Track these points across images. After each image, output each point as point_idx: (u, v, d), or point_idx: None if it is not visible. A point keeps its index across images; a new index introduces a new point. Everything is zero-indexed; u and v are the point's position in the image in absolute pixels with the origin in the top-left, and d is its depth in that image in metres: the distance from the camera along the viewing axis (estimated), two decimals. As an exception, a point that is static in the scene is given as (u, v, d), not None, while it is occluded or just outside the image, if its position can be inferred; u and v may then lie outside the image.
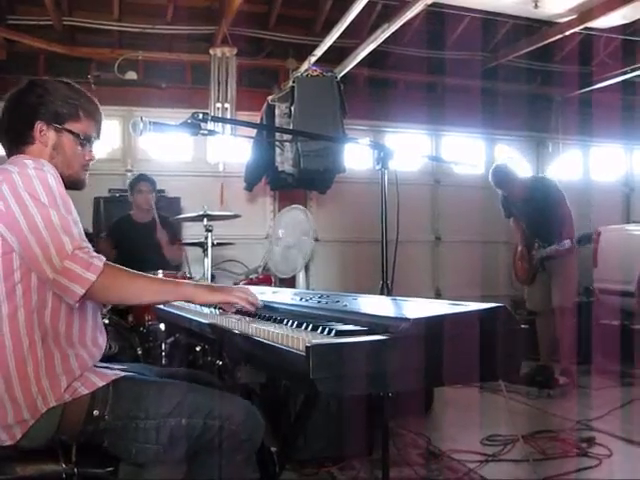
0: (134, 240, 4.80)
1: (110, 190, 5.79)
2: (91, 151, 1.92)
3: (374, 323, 1.39)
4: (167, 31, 6.01)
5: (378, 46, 5.62)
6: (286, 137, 5.31)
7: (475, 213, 6.48)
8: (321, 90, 5.07)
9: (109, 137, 6.22)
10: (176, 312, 2.37)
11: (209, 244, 4.38)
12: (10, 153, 1.84)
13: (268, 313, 1.82)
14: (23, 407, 1.61)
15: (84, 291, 1.57)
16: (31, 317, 1.64)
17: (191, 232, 5.51)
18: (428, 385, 1.30)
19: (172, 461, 1.72)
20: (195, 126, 2.03)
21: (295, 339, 1.33)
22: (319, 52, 5.20)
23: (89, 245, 1.65)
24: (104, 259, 1.63)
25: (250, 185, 5.90)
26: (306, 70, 5.17)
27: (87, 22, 5.84)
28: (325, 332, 1.38)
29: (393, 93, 6.54)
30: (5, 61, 5.96)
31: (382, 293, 2.22)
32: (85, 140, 1.87)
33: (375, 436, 3.37)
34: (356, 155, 6.49)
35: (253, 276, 5.51)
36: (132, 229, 4.90)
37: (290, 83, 5.18)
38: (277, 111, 5.56)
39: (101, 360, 1.86)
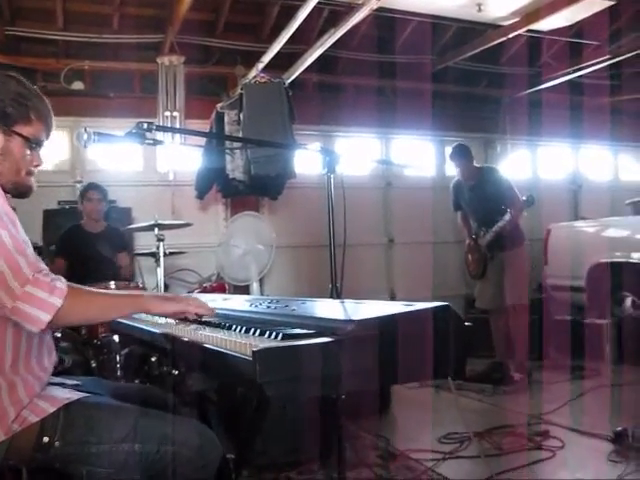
0: (85, 250, 4.75)
1: (59, 202, 5.68)
2: (39, 156, 1.79)
3: (321, 326, 1.41)
4: (114, 40, 5.92)
5: (327, 51, 5.65)
6: (236, 144, 5.29)
7: (427, 214, 6.56)
8: (269, 96, 5.08)
9: (57, 148, 6.11)
10: (130, 323, 2.34)
11: (161, 254, 4.36)
12: None
13: (219, 320, 1.82)
14: None
15: (50, 317, 1.50)
16: None
17: (143, 242, 5.47)
18: (376, 385, 1.31)
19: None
20: (140, 136, 2.01)
21: (242, 345, 1.34)
22: (266, 59, 5.21)
23: (45, 266, 1.58)
24: (64, 280, 1.57)
25: (201, 193, 5.87)
26: (254, 77, 5.18)
27: (31, 32, 5.72)
28: (272, 336, 1.39)
29: (343, 98, 6.57)
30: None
31: (332, 296, 2.24)
32: (35, 144, 1.74)
33: (332, 438, 3.39)
34: (306, 160, 6.50)
35: (207, 284, 5.47)
36: (82, 239, 4.84)
37: (238, 90, 5.17)
38: (226, 118, 5.55)
39: (56, 374, 1.81)
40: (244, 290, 5.72)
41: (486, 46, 6.07)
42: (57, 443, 1.58)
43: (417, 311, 1.39)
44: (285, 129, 5.05)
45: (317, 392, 1.30)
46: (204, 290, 5.41)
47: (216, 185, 5.89)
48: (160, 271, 4.39)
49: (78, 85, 5.99)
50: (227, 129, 5.57)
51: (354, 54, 6.29)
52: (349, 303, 1.71)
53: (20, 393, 1.60)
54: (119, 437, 1.62)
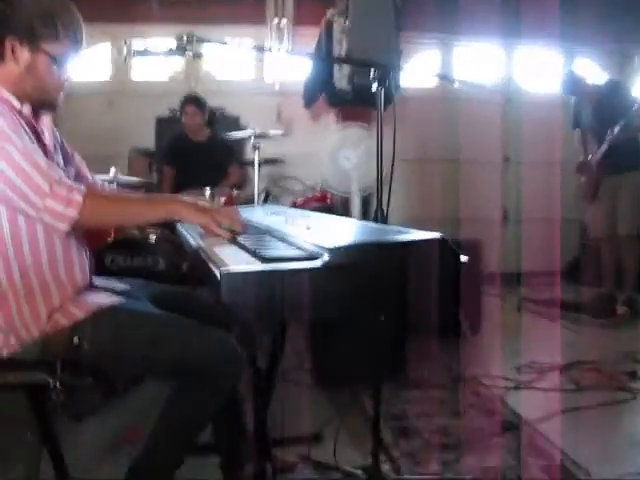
0: (189, 158, 4.90)
1: (171, 110, 5.84)
2: (67, 70, 1.78)
3: (309, 250, 1.36)
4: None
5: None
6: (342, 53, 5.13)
7: (546, 132, 6.15)
8: (376, 3, 4.84)
9: (171, 58, 6.24)
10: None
11: (255, 162, 4.39)
12: None
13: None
14: (9, 335, 1.67)
15: (67, 227, 1.60)
16: (6, 251, 1.65)
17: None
18: (339, 315, 1.26)
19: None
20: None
21: (222, 263, 1.33)
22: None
23: (61, 173, 1.64)
24: (83, 189, 1.62)
25: (308, 102, 5.79)
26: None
27: None
28: (257, 257, 1.36)
29: (462, 3, 6.16)
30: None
31: (375, 219, 2.17)
32: (63, 61, 1.74)
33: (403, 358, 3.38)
34: (421, 70, 6.26)
35: (309, 194, 5.50)
36: (186, 147, 4.99)
37: (346, -4, 4.97)
38: (335, 26, 5.37)
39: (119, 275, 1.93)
40: (347, 202, 5.69)
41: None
42: (85, 344, 1.68)
43: (400, 242, 1.30)
44: (389, 39, 4.83)
45: (287, 317, 1.26)
46: (307, 200, 5.46)
47: (324, 94, 5.79)
48: (255, 179, 4.43)
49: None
50: (337, 37, 5.41)
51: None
52: (365, 227, 1.63)
53: (53, 295, 1.70)
54: (142, 343, 1.70)
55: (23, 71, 1.70)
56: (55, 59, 1.72)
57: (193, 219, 1.73)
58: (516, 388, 3.25)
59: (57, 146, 1.90)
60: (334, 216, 1.90)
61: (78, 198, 1.59)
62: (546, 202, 6.09)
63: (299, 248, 1.43)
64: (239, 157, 4.85)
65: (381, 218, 2.18)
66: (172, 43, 1.96)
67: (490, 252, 5.72)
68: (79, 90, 6.12)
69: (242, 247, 1.54)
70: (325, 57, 5.22)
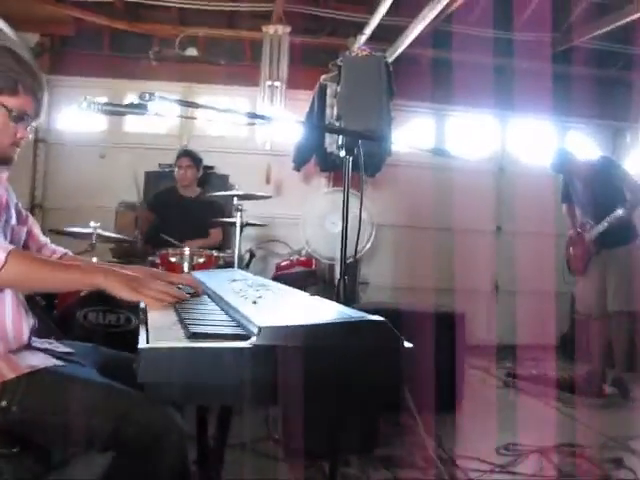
0: (175, 212, 4.88)
1: (160, 165, 5.84)
2: (26, 129, 1.79)
3: (245, 327, 1.27)
4: (228, 8, 5.96)
5: (441, 25, 5.38)
6: (332, 118, 5.14)
7: (539, 203, 6.12)
8: (368, 70, 4.87)
9: (167, 112, 6.25)
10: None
11: (237, 224, 4.33)
12: None
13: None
14: None
15: None
16: None
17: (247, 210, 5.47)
18: (259, 403, 1.17)
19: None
20: (143, 107, 1.93)
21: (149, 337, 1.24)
22: (368, 31, 5.03)
23: None
24: (10, 248, 1.58)
25: (298, 165, 5.80)
26: (355, 49, 5.00)
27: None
28: (185, 330, 1.27)
29: (457, 75, 6.22)
30: (73, 37, 6.15)
31: (337, 291, 2.09)
32: (18, 117, 1.75)
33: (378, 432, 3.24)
34: (414, 137, 6.29)
35: (294, 258, 5.43)
36: (175, 201, 4.98)
37: (338, 62, 5.02)
38: (329, 91, 5.41)
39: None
40: (331, 268, 5.63)
41: (623, 21, 5.47)
42: (14, 408, 1.59)
43: (334, 324, 1.21)
44: (381, 106, 4.84)
45: (203, 401, 1.17)
46: (290, 263, 5.39)
47: (315, 158, 5.80)
48: (237, 241, 4.36)
49: (192, 52, 6.08)
50: (328, 101, 5.45)
51: (470, 29, 5.90)
52: (315, 305, 1.54)
53: None
54: (77, 410, 1.59)
55: None
56: (11, 113, 1.73)
57: (120, 292, 1.64)
58: (492, 472, 3.08)
59: (10, 204, 1.88)
60: (294, 290, 1.81)
61: (1, 255, 1.55)
62: (538, 274, 6.01)
63: (237, 324, 1.33)
64: (222, 217, 4.80)
65: (343, 288, 2.08)
66: (134, 99, 1.90)
67: (479, 323, 5.64)
68: (72, 140, 6.19)
69: (178, 316, 1.45)
70: (316, 122, 5.23)
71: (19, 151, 1.84)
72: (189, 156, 4.95)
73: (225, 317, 1.47)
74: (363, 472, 2.97)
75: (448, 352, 4.03)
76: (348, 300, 5.81)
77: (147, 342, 1.20)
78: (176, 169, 4.98)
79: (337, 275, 5.24)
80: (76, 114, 6.20)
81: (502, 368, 5.36)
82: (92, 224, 4.24)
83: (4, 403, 1.58)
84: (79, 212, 5.33)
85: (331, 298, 5.13)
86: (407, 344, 1.23)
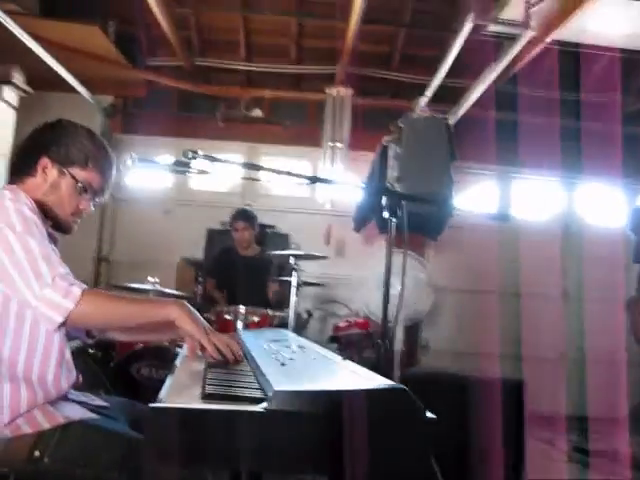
0: (234, 273, 4.89)
1: (222, 222, 5.92)
2: (89, 202, 1.89)
3: (265, 390, 1.23)
4: (292, 70, 6.11)
5: (505, 87, 5.35)
6: (393, 179, 5.12)
7: (609, 265, 5.88)
8: (429, 132, 4.85)
9: (231, 171, 6.40)
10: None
11: (293, 284, 4.31)
12: (11, 180, 1.87)
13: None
14: None
15: (62, 318, 1.57)
16: None
17: (308, 269, 5.47)
18: (264, 468, 1.13)
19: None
20: (184, 164, 1.96)
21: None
22: (429, 92, 5.04)
23: (68, 270, 1.65)
24: (84, 286, 1.62)
25: (358, 226, 5.78)
26: (416, 111, 5.02)
27: (217, 62, 6.11)
28: (202, 393, 1.24)
29: (522, 137, 6.14)
30: (145, 99, 6.41)
31: (378, 354, 2.02)
32: (83, 189, 1.85)
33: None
34: (478, 200, 6.21)
35: (352, 319, 5.37)
36: (233, 262, 4.99)
37: (399, 123, 5.03)
38: (390, 152, 5.41)
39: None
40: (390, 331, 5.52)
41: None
42: (47, 459, 1.60)
43: (350, 391, 1.14)
44: (443, 168, 4.79)
45: (211, 465, 1.13)
46: (347, 325, 5.32)
47: (375, 219, 5.77)
48: (292, 301, 4.34)
49: (257, 113, 6.22)
50: (390, 163, 5.45)
51: (535, 91, 5.84)
52: (335, 369, 1.48)
53: (22, 399, 1.65)
54: (107, 464, 1.61)
55: (48, 188, 1.83)
56: (78, 185, 1.84)
57: (187, 327, 1.68)
58: None
59: None
60: (330, 354, 1.76)
61: (77, 291, 1.59)
62: (608, 341, 5.73)
63: (260, 387, 1.29)
64: (279, 275, 4.79)
65: (383, 352, 2.02)
66: (175, 158, 1.93)
67: (544, 393, 5.37)
68: (139, 197, 6.38)
69: (205, 374, 1.43)
70: (377, 183, 5.22)
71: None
72: (243, 218, 4.96)
73: (251, 379, 1.43)
74: None
75: (512, 423, 3.85)
76: (406, 364, 5.68)
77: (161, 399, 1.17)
78: (233, 231, 5.01)
79: (397, 338, 5.19)
80: (143, 172, 6.41)
81: (569, 441, 5.08)
82: (150, 279, 4.31)
83: (37, 453, 1.61)
84: (143, 266, 5.44)
85: (386, 362, 4.99)
86: (429, 414, 1.16)
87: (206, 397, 1.20)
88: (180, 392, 1.27)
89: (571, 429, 5.41)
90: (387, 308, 2.15)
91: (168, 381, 1.39)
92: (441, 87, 5.35)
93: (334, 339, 5.28)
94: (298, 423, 1.11)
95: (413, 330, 6.24)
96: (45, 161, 1.83)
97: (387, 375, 1.77)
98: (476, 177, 6.46)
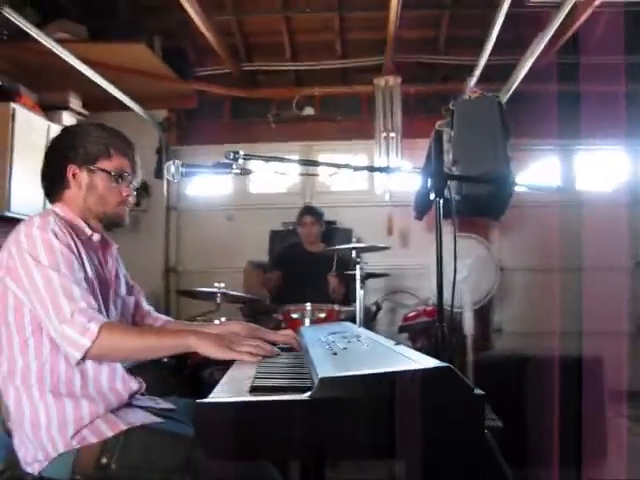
0: (300, 268, 4.93)
1: (283, 223, 5.97)
2: (128, 187, 1.94)
3: (313, 379, 1.24)
4: (339, 65, 6.10)
5: (563, 58, 5.20)
6: (449, 163, 5.05)
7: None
8: (480, 112, 4.73)
9: (289, 171, 6.45)
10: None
11: (357, 277, 4.31)
12: (50, 200, 1.94)
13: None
14: (38, 450, 1.69)
15: (80, 356, 1.63)
16: (42, 369, 1.71)
17: (372, 262, 5.44)
18: (317, 457, 1.13)
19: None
20: (228, 165, 1.97)
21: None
22: (477, 72, 4.94)
23: (91, 302, 1.69)
24: (102, 321, 1.66)
25: (420, 214, 5.70)
26: (466, 92, 4.92)
27: (264, 65, 6.18)
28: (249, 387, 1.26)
29: (584, 107, 5.94)
30: (197, 109, 6.52)
31: (436, 336, 2.00)
32: (118, 176, 1.90)
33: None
34: (540, 176, 6.05)
35: (420, 308, 5.32)
36: (299, 256, 5.04)
37: (450, 107, 4.95)
38: (445, 136, 5.34)
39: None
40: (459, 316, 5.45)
41: None
42: (114, 465, 1.66)
43: (393, 373, 1.13)
44: (496, 147, 4.67)
45: (260, 456, 1.15)
46: (417, 314, 5.28)
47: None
48: (358, 294, 4.33)
49: (309, 111, 6.25)
50: (445, 147, 5.37)
51: (594, 58, 5.62)
52: (388, 354, 1.48)
53: (84, 412, 1.71)
54: (172, 467, 1.64)
55: (85, 192, 1.89)
56: (111, 175, 1.88)
57: (212, 354, 1.71)
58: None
59: (120, 275, 2.02)
60: (386, 341, 1.75)
61: (94, 328, 1.63)
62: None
63: (309, 377, 1.31)
64: (347, 270, 4.79)
65: (441, 335, 1.99)
66: (222, 159, 1.96)
67: (619, 368, 5.19)
68: (201, 205, 6.50)
69: (256, 370, 1.48)
70: (433, 169, 5.15)
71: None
72: (311, 213, 5.03)
73: (302, 370, 1.44)
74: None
75: (589, 399, 3.76)
76: (480, 348, 5.56)
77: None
78: (300, 227, 5.06)
79: (466, 321, 5.11)
80: (204, 181, 6.53)
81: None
82: (216, 285, 4.38)
83: (104, 460, 1.66)
84: (210, 273, 5.54)
85: (457, 349, 4.94)
86: (478, 391, 1.14)
87: (253, 390, 1.22)
88: (230, 388, 1.29)
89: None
90: (442, 293, 2.10)
91: (221, 380, 1.42)
92: (490, 65, 5.23)
93: (403, 329, 5.25)
94: (344, 409, 1.12)
95: (484, 314, 6.13)
96: (72, 168, 1.87)
97: (449, 359, 1.75)
98: (536, 153, 6.29)
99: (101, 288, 1.84)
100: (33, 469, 1.70)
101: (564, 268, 5.92)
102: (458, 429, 1.13)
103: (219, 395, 1.20)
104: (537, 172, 6.31)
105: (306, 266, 4.96)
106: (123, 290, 2.01)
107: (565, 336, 5.14)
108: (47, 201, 1.95)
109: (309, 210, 5.11)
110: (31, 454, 1.70)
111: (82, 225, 1.87)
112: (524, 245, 6.14)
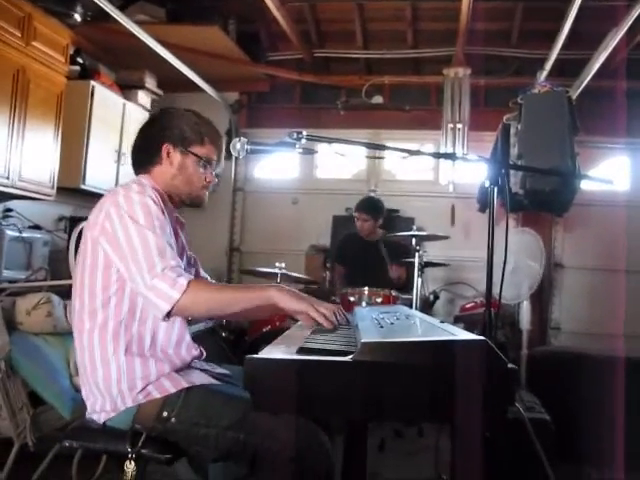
0: (359, 257, 5.00)
1: (347, 209, 6.06)
2: (212, 174, 2.08)
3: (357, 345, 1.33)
4: (410, 55, 6.12)
5: (635, 54, 5.11)
6: (514, 157, 5.03)
7: None
8: (549, 107, 4.69)
9: (356, 158, 6.54)
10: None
11: (416, 265, 4.36)
12: (137, 172, 2.08)
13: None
14: (106, 402, 1.84)
15: (169, 308, 1.74)
16: (119, 327, 1.84)
17: (432, 252, 5.45)
18: (357, 415, 1.22)
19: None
20: (291, 145, 2.07)
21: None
22: (548, 66, 4.89)
23: (180, 263, 1.81)
24: (191, 277, 1.79)
25: (483, 206, 5.71)
26: (536, 86, 4.88)
27: (336, 52, 6.25)
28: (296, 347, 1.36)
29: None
30: (268, 93, 6.66)
31: (485, 323, 2.06)
32: (206, 163, 2.04)
33: None
34: (608, 175, 5.93)
35: (479, 299, 5.33)
36: (357, 246, 5.10)
37: (519, 100, 4.92)
38: (512, 130, 5.31)
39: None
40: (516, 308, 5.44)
41: None
42: (173, 419, 1.80)
43: (432, 342, 1.22)
44: (564, 142, 4.63)
45: (303, 411, 1.24)
46: (474, 306, 5.31)
47: (500, 199, 5.67)
48: (415, 281, 4.38)
49: (377, 99, 6.30)
50: (512, 141, 5.35)
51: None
52: (430, 328, 1.56)
53: (151, 370, 1.85)
54: (227, 424, 1.77)
55: (176, 171, 2.03)
56: (201, 160, 2.02)
57: (291, 305, 1.81)
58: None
59: (185, 247, 2.15)
60: (433, 320, 1.83)
61: (183, 282, 1.75)
62: None
63: (355, 344, 1.40)
64: (406, 257, 4.84)
65: (488, 323, 2.05)
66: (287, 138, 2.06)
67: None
68: (268, 188, 6.65)
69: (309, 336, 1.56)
70: (497, 161, 5.14)
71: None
72: (364, 209, 5.01)
73: (350, 339, 1.53)
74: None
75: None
76: (536, 344, 5.51)
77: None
78: (355, 220, 5.09)
79: (524, 313, 5.11)
80: (271, 164, 6.67)
81: None
82: (277, 265, 4.52)
83: (165, 414, 1.80)
84: (273, 255, 5.64)
85: (513, 343, 4.93)
86: (511, 365, 1.21)
87: (300, 351, 1.32)
88: (280, 348, 1.40)
89: None
90: (491, 282, 2.15)
91: (275, 341, 1.53)
92: (562, 60, 5.18)
93: (459, 319, 5.29)
94: (384, 372, 1.21)
95: (542, 311, 6.10)
96: (167, 147, 2.01)
97: (496, 342, 1.81)
98: (605, 152, 6.18)
99: None
100: (99, 417, 1.85)
101: (629, 270, 5.82)
102: (491, 398, 1.20)
103: (269, 352, 1.31)
104: (605, 171, 6.19)
105: (364, 255, 5.02)
106: (185, 262, 2.11)
107: (628, 339, 5.08)
108: (119, 176, 2.09)
109: (363, 206, 5.06)
110: (99, 404, 1.85)
111: (166, 198, 2.01)
112: (588, 244, 6.06)
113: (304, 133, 2.06)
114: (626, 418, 3.43)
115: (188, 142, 2.02)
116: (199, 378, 1.90)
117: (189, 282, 1.75)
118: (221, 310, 1.93)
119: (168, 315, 1.76)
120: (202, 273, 2.28)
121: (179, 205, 2.09)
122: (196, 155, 2.02)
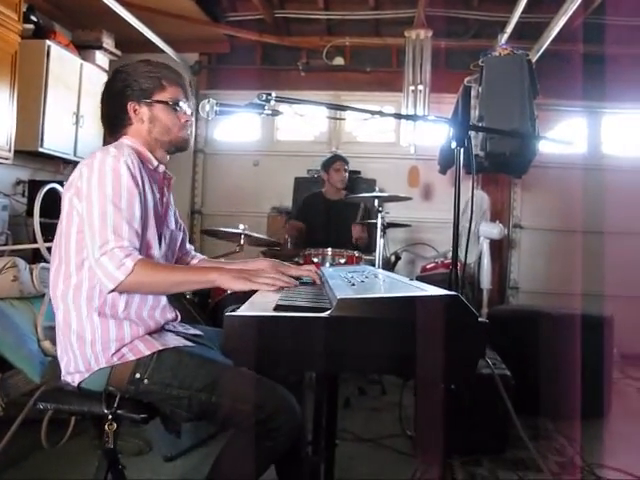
0: (322, 216, 5.03)
1: (308, 171, 6.07)
2: (185, 112, 2.05)
3: (331, 303, 1.36)
4: (371, 16, 6.10)
5: (591, 18, 5.17)
6: (475, 119, 5.08)
7: None
8: (509, 69, 4.74)
9: (316, 121, 6.54)
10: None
11: (378, 226, 4.40)
12: (114, 138, 2.05)
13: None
14: (80, 362, 1.85)
15: (113, 287, 1.74)
16: (93, 290, 1.83)
17: (394, 213, 5.51)
18: (334, 369, 1.26)
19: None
20: (260, 106, 2.06)
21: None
22: (509, 29, 4.93)
23: (134, 242, 1.79)
24: (138, 258, 1.76)
25: (444, 168, 5.77)
26: (496, 49, 4.91)
27: (296, 13, 6.19)
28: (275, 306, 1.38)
29: (612, 70, 5.90)
30: (228, 54, 6.59)
31: (452, 280, 2.11)
32: (175, 104, 2.02)
33: (508, 435, 3.19)
34: (567, 137, 6.06)
35: (439, 260, 5.43)
36: (321, 205, 5.13)
37: (479, 63, 4.96)
38: (473, 92, 5.36)
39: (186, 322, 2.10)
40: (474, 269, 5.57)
41: None
42: (146, 380, 1.81)
43: (408, 297, 1.25)
44: (524, 105, 4.69)
45: (279, 367, 1.27)
46: (435, 266, 5.40)
47: (463, 160, 5.74)
48: (378, 242, 4.43)
49: (338, 61, 6.29)
50: (472, 103, 5.40)
51: (625, 20, 5.58)
52: (402, 285, 1.60)
53: (125, 332, 1.86)
54: (199, 386, 1.79)
55: (149, 124, 2.02)
56: (168, 105, 2.02)
57: (233, 287, 1.81)
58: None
59: (171, 208, 2.15)
60: (402, 278, 1.87)
61: (129, 264, 1.74)
62: None
63: (329, 302, 1.43)
64: (367, 219, 4.89)
65: (455, 282, 2.11)
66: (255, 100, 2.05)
67: (633, 331, 5.28)
68: (228, 150, 6.61)
69: (280, 296, 1.57)
70: (459, 123, 5.19)
71: (173, 159, 2.12)
72: (343, 160, 5.10)
73: (321, 297, 1.56)
74: (492, 473, 2.95)
75: (596, 357, 3.86)
76: (495, 303, 5.66)
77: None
78: (331, 173, 5.09)
79: (484, 273, 5.20)
80: (232, 125, 6.61)
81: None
82: (240, 226, 4.51)
83: (138, 375, 1.81)
84: (234, 217, 5.65)
85: (474, 302, 5.04)
86: (481, 319, 1.26)
87: (277, 308, 1.34)
88: (254, 307, 1.41)
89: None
90: (457, 245, 2.20)
91: (246, 303, 1.55)
92: (522, 23, 5.22)
93: (420, 279, 5.36)
94: (360, 327, 1.24)
95: (501, 271, 6.24)
96: (132, 105, 2.00)
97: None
98: (563, 114, 6.29)
99: (156, 219, 1.96)
100: (73, 379, 1.86)
101: (585, 230, 5.97)
102: (462, 351, 1.25)
103: (247, 310, 1.33)
104: (563, 133, 6.31)
105: (327, 215, 5.05)
106: (173, 224, 2.14)
107: (582, 297, 5.23)
108: (77, 139, 2.06)
109: (341, 157, 5.18)
110: (73, 365, 1.85)
111: (149, 156, 2.01)
112: (546, 205, 6.20)
113: (273, 95, 2.05)
114: (582, 373, 3.57)
115: (149, 92, 2.00)
116: (173, 341, 1.91)
117: (135, 264, 1.74)
118: (165, 292, 1.95)
119: (112, 291, 1.78)
120: (186, 241, 2.30)
121: (166, 155, 2.09)
122: (161, 102, 2.01)
